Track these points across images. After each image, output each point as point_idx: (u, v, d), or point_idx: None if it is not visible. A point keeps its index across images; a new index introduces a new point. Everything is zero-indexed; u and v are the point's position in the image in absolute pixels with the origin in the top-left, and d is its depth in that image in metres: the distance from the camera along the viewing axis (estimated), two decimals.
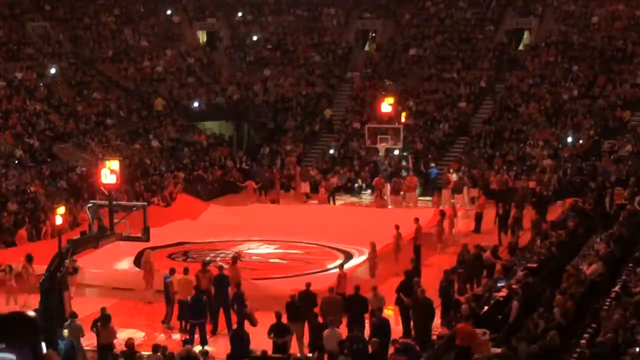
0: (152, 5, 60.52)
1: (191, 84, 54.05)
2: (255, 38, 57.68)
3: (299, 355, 21.75)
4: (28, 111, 45.42)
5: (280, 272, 29.84)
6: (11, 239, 32.66)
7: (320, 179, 42.71)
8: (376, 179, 41.86)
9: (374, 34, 58.48)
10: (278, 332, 21.33)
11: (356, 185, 43.66)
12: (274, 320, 21.50)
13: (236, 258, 27.41)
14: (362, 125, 47.26)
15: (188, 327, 23.82)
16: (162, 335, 24.49)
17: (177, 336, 24.01)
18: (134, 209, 26.20)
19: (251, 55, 57.25)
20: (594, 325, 18.71)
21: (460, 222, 36.40)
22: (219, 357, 20.48)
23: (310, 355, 20.97)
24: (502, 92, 50.22)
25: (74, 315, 21.64)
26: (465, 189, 39.28)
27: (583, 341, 17.72)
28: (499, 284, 23.66)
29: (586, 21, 54.25)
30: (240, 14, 60.86)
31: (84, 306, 23.97)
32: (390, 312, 23.71)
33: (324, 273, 28.78)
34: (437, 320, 22.84)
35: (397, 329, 22.90)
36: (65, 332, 21.35)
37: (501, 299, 22.15)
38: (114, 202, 24.84)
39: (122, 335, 21.82)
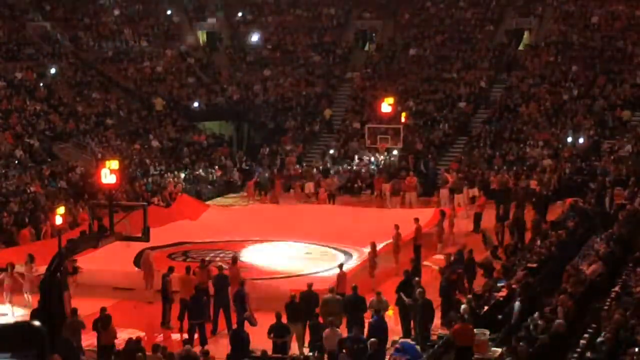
0: (152, 5, 60.52)
1: (191, 84, 54.06)
2: (254, 38, 57.55)
3: (298, 355, 21.75)
4: (28, 111, 45.45)
5: (279, 272, 29.84)
6: (11, 239, 32.64)
7: (321, 179, 42.72)
8: (375, 178, 41.81)
9: (374, 34, 58.46)
10: (278, 332, 21.34)
11: (355, 185, 43.64)
12: (273, 320, 21.51)
13: (236, 258, 27.42)
14: (362, 125, 47.27)
15: (187, 327, 23.84)
16: (162, 335, 24.51)
17: (176, 336, 24.00)
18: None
19: (251, 55, 57.26)
20: (594, 325, 18.71)
21: (460, 222, 36.37)
22: (219, 357, 20.48)
23: (310, 355, 20.96)
24: (501, 92, 50.26)
25: (74, 313, 21.65)
26: (465, 189, 39.24)
27: (583, 341, 17.72)
28: (498, 284, 23.66)
29: (586, 21, 54.25)
30: (240, 14, 60.87)
31: (84, 306, 23.97)
32: (390, 313, 23.71)
33: (323, 273, 28.74)
34: (437, 320, 22.85)
35: (397, 329, 22.93)
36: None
37: (501, 299, 22.16)
38: (114, 202, 24.86)
39: (123, 336, 21.82)
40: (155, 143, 47.21)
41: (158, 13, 60.01)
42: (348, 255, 31.39)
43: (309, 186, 42.20)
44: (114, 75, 53.34)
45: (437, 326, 22.67)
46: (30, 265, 27.58)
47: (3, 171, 38.92)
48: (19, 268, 27.55)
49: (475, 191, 38.94)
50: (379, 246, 29.37)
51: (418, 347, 19.71)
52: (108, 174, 23.44)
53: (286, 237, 34.32)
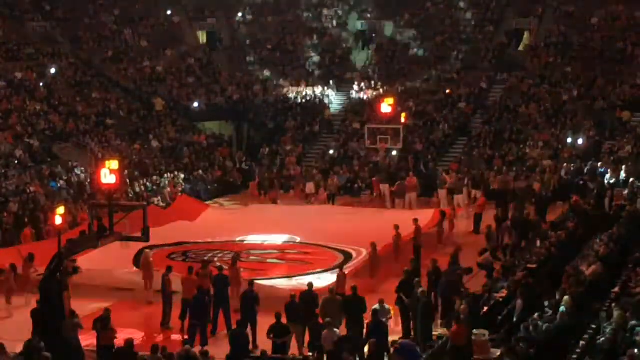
0: (152, 5, 60.49)
1: (191, 84, 54.03)
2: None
3: (298, 356, 21.75)
4: (28, 111, 45.42)
5: (278, 272, 29.88)
6: (11, 239, 32.64)
7: (321, 179, 42.70)
8: (373, 179, 41.77)
9: (374, 35, 58.44)
10: (277, 332, 21.35)
11: (356, 185, 43.61)
12: (273, 321, 21.52)
13: (236, 259, 27.44)
14: (362, 126, 47.25)
15: (188, 327, 23.84)
16: (161, 335, 24.51)
17: (176, 336, 23.99)
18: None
19: (251, 55, 57.24)
20: (593, 326, 18.71)
21: (460, 222, 36.40)
22: (219, 358, 20.48)
23: (310, 355, 20.97)
24: (501, 93, 50.27)
25: (73, 315, 21.65)
26: (465, 190, 39.22)
27: (583, 342, 17.72)
28: (498, 285, 23.66)
29: (586, 22, 54.23)
30: (240, 15, 60.87)
31: (83, 307, 23.98)
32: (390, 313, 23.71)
33: (323, 274, 28.75)
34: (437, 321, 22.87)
35: (397, 329, 22.94)
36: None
37: (501, 299, 22.16)
38: (114, 202, 24.87)
39: (122, 336, 21.81)
40: (155, 143, 47.17)
41: (158, 13, 59.98)
42: (348, 255, 31.42)
43: (309, 186, 42.18)
44: (114, 75, 53.31)
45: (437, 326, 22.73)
46: (29, 265, 27.62)
47: (3, 171, 38.90)
48: (19, 268, 27.61)
49: (476, 192, 38.92)
50: (379, 247, 29.40)
51: (418, 348, 19.70)
52: (108, 174, 23.45)
53: (285, 238, 34.38)
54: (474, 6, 57.97)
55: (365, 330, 21.39)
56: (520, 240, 31.24)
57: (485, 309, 21.63)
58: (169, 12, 60.03)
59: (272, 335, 21.37)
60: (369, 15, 59.46)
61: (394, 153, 44.01)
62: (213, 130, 51.44)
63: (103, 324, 21.30)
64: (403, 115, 45.66)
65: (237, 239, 34.33)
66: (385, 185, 40.75)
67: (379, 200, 40.69)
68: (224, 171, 45.93)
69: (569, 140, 44.04)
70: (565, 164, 41.31)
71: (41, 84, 48.56)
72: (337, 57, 56.52)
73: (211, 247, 33.15)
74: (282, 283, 28.00)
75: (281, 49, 57.57)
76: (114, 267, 29.51)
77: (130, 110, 49.93)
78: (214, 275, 25.11)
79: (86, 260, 27.89)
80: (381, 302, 22.39)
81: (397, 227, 30.28)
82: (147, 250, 28.68)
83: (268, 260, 31.70)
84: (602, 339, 17.24)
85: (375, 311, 21.60)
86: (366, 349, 19.97)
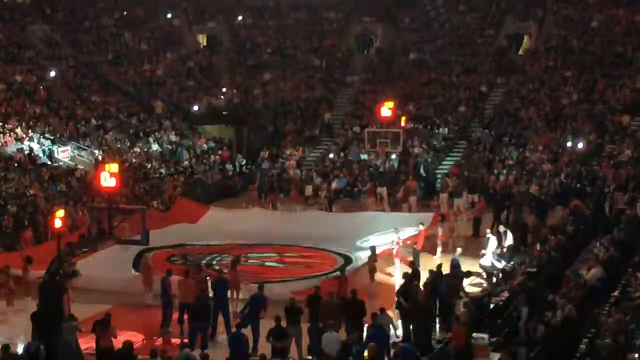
0: (152, 8, 60.51)
1: (191, 87, 54.04)
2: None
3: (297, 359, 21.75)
4: (28, 114, 45.41)
5: (278, 275, 29.85)
6: (11, 242, 32.60)
7: (320, 183, 42.70)
8: (369, 184, 41.57)
9: (373, 38, 58.49)
10: (277, 336, 21.31)
11: (355, 189, 43.59)
12: (272, 324, 21.49)
13: (235, 262, 27.43)
14: (361, 129, 47.24)
15: (188, 330, 23.82)
16: (161, 339, 24.49)
17: (176, 340, 23.97)
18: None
19: (251, 58, 57.27)
20: (593, 330, 18.70)
21: (460, 226, 36.42)
22: None
23: (310, 358, 20.95)
24: (501, 97, 50.30)
25: (72, 318, 21.63)
26: (464, 193, 39.19)
27: (582, 346, 17.72)
28: (498, 288, 23.66)
29: (586, 26, 54.27)
30: (240, 18, 60.90)
31: (83, 310, 23.96)
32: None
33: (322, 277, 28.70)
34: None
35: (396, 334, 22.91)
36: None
37: (501, 302, 22.15)
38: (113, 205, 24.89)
39: (121, 339, 21.78)
40: (155, 146, 47.17)
41: (158, 16, 60.02)
42: (347, 258, 31.40)
43: (308, 189, 42.16)
44: (114, 79, 53.34)
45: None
46: (28, 267, 27.59)
47: (2, 174, 38.87)
48: (17, 271, 27.59)
49: (475, 196, 38.90)
50: (379, 250, 29.40)
51: (417, 352, 19.69)
52: (108, 177, 23.48)
53: (285, 240, 34.34)
54: (474, 10, 58.02)
55: (365, 334, 21.37)
56: (519, 244, 31.24)
57: (485, 313, 21.62)
58: (169, 16, 60.09)
59: (271, 339, 21.34)
60: (369, 19, 59.49)
61: (393, 157, 43.99)
62: (213, 134, 51.45)
63: (102, 327, 21.26)
64: (403, 119, 45.66)
65: (237, 242, 34.28)
66: (384, 188, 40.70)
67: (379, 204, 40.58)
68: (223, 174, 45.93)
69: (569, 144, 44.03)
70: (564, 168, 41.32)
71: (41, 87, 48.55)
72: (337, 61, 56.53)
73: (211, 250, 33.10)
74: (281, 286, 27.97)
75: (281, 53, 57.58)
76: (113, 269, 29.47)
77: (130, 114, 49.94)
78: (213, 279, 25.08)
79: (86, 263, 27.86)
80: (382, 311, 22.01)
81: (397, 231, 30.27)
82: (147, 254, 28.64)
83: (266, 264, 31.66)
84: (602, 342, 17.24)
85: (375, 315, 21.58)
86: (366, 353, 19.93)
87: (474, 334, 19.26)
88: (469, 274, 27.28)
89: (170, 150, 47.43)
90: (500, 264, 27.98)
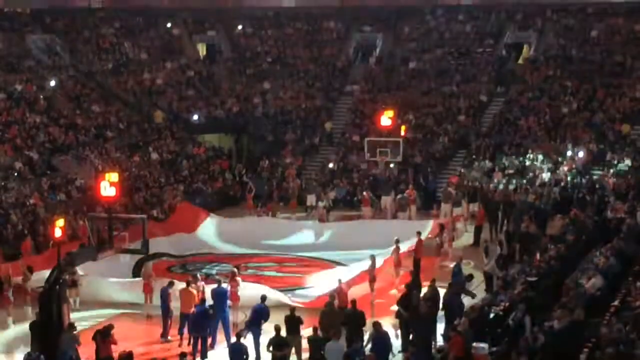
0: (152, 18, 60.60)
1: (191, 96, 54.08)
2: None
3: None
4: (28, 123, 45.43)
5: (275, 285, 29.84)
6: (12, 252, 32.57)
7: (320, 192, 42.70)
8: (365, 193, 41.32)
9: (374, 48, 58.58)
10: (277, 345, 21.31)
11: (355, 198, 43.56)
12: (272, 333, 21.49)
13: (235, 272, 27.43)
14: (361, 139, 47.26)
15: (190, 340, 23.81)
16: (161, 348, 24.48)
17: (176, 350, 23.95)
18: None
19: (251, 68, 57.31)
20: (593, 340, 18.66)
21: (460, 235, 36.46)
22: None
23: None
24: (501, 106, 50.33)
25: (72, 327, 21.62)
26: (464, 203, 39.19)
27: (582, 355, 17.68)
28: (498, 298, 23.61)
29: (585, 35, 54.36)
30: (240, 27, 60.97)
31: (83, 319, 23.98)
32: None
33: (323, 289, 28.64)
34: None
35: (396, 343, 22.89)
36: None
37: (501, 312, 22.11)
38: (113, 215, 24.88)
39: (121, 349, 21.78)
40: (154, 155, 47.17)
41: (158, 26, 60.10)
42: (345, 267, 31.42)
43: (311, 199, 42.15)
44: (114, 88, 53.37)
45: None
46: (28, 277, 27.59)
47: (2, 183, 38.89)
48: (17, 281, 27.59)
49: (475, 206, 38.87)
50: (379, 260, 29.39)
51: None
52: (107, 187, 23.45)
53: (283, 249, 34.35)
54: (474, 19, 58.09)
55: (366, 344, 21.36)
56: (519, 253, 31.24)
57: (485, 322, 21.57)
58: (168, 25, 60.18)
59: (271, 348, 21.33)
60: (368, 28, 59.58)
61: (392, 165, 43.97)
62: (212, 143, 51.47)
63: (103, 336, 21.26)
64: (403, 128, 45.67)
65: (236, 252, 34.28)
66: (387, 197, 40.70)
67: (379, 214, 40.57)
68: (223, 184, 45.92)
69: (569, 153, 44.04)
70: (564, 177, 41.33)
71: (41, 97, 48.58)
72: (337, 70, 56.58)
73: (210, 259, 33.10)
74: (281, 296, 27.97)
75: (281, 62, 57.64)
76: (113, 280, 29.41)
77: (129, 123, 49.95)
78: (213, 289, 25.08)
79: (86, 271, 27.85)
80: (379, 325, 21.70)
81: (397, 241, 30.26)
82: (148, 263, 28.63)
83: (265, 273, 31.63)
84: (603, 353, 17.20)
85: (376, 325, 21.59)
86: None
87: (474, 344, 19.22)
88: (471, 277, 27.28)
89: (170, 160, 47.42)
90: (501, 273, 27.96)
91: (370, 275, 28.28)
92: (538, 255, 28.67)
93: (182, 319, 24.49)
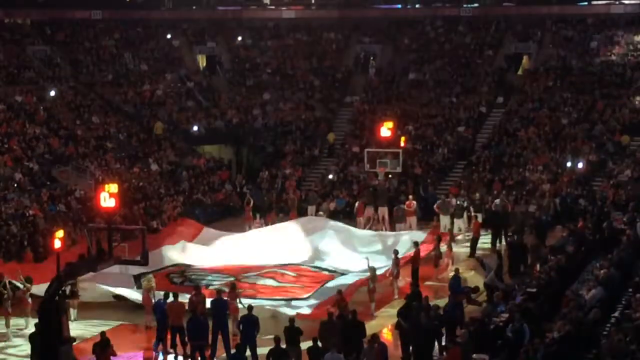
0: (152, 29, 60.69)
1: (190, 107, 54.10)
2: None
3: None
4: (28, 134, 45.46)
5: (271, 294, 29.82)
6: (11, 264, 32.50)
7: (320, 203, 42.68)
8: (358, 203, 41.12)
9: (372, 58, 58.61)
10: (276, 356, 21.26)
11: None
12: (272, 345, 21.45)
13: (234, 284, 27.40)
14: (361, 150, 47.24)
15: (183, 352, 23.80)
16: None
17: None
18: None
19: (251, 79, 57.36)
20: (594, 351, 18.65)
21: (458, 246, 36.46)
22: None
23: None
24: (500, 117, 50.36)
25: (71, 340, 21.59)
26: (465, 214, 39.13)
27: None
28: (498, 309, 23.59)
29: (585, 46, 54.43)
30: (240, 38, 61.04)
31: (83, 330, 23.95)
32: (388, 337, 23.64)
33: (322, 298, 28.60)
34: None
35: (396, 354, 22.86)
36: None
37: (501, 323, 22.08)
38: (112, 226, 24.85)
39: None
40: (154, 167, 47.16)
41: (158, 37, 60.18)
42: (342, 276, 31.39)
43: (311, 210, 42.10)
44: (114, 99, 53.40)
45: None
46: (28, 287, 27.56)
47: (2, 194, 38.89)
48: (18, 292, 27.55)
49: (474, 216, 38.86)
50: (379, 271, 29.39)
51: None
52: (107, 198, 23.43)
53: (280, 259, 34.27)
54: (474, 30, 58.16)
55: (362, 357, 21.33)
56: (518, 264, 31.23)
57: (485, 333, 21.54)
58: (168, 36, 60.27)
59: (271, 359, 21.29)
60: (368, 39, 59.65)
61: (389, 176, 43.93)
62: (212, 154, 51.46)
63: (102, 347, 21.24)
64: (402, 139, 45.66)
65: (234, 262, 34.21)
66: (384, 208, 40.64)
67: (377, 225, 40.49)
68: (223, 195, 45.89)
69: (569, 164, 44.04)
70: (564, 188, 41.34)
71: (41, 108, 48.63)
72: (337, 81, 56.62)
73: (209, 269, 33.04)
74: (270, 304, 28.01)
75: (281, 73, 57.70)
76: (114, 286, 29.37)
77: (129, 134, 49.98)
78: (212, 299, 25.04)
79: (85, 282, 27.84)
80: (375, 338, 21.71)
81: (396, 252, 30.25)
82: (150, 275, 28.61)
83: (260, 282, 31.52)
84: None
85: (374, 336, 21.57)
86: None
87: (474, 355, 19.20)
88: (477, 289, 27.34)
89: (169, 171, 47.41)
90: (502, 284, 27.95)
91: (370, 285, 28.25)
92: (538, 267, 28.69)
93: (173, 331, 24.43)
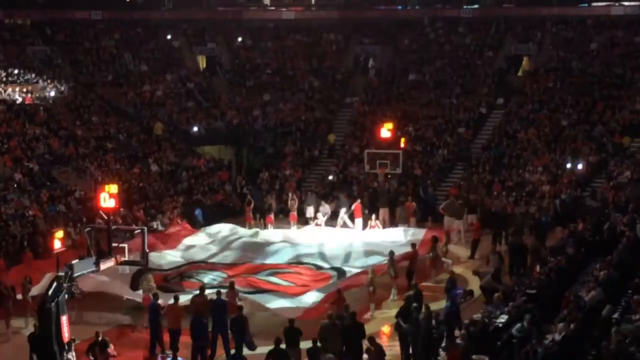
0: (152, 29, 60.74)
1: (190, 108, 54.10)
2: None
3: None
4: (27, 135, 45.46)
5: (269, 287, 29.80)
6: (12, 263, 32.52)
7: (319, 204, 42.66)
8: (355, 204, 41.11)
9: (372, 59, 58.61)
10: (276, 357, 21.26)
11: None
12: (272, 346, 21.45)
13: (233, 283, 27.39)
14: (361, 150, 47.23)
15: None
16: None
17: None
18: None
19: (251, 79, 57.37)
20: (593, 353, 18.63)
21: (457, 248, 36.46)
22: None
23: None
24: (500, 118, 50.35)
25: (71, 341, 21.59)
26: (465, 215, 39.11)
27: None
28: (498, 311, 23.57)
29: (585, 48, 54.44)
30: (240, 39, 61.05)
31: (82, 332, 23.94)
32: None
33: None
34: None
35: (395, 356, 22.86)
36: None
37: (501, 324, 22.07)
38: (113, 226, 24.85)
39: None
40: (154, 167, 47.16)
41: (158, 37, 60.22)
42: (342, 274, 31.40)
43: (310, 210, 42.09)
44: (114, 99, 53.42)
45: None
46: (28, 287, 27.57)
47: (2, 194, 38.88)
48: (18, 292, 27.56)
49: (474, 218, 38.85)
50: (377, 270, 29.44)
51: None
52: (107, 198, 23.44)
53: (280, 258, 34.28)
54: (474, 31, 58.19)
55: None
56: (518, 265, 31.23)
57: (485, 334, 21.53)
58: (169, 37, 60.32)
59: None
60: (368, 40, 59.66)
61: (389, 177, 43.92)
62: (212, 155, 51.44)
63: (100, 349, 21.23)
64: (402, 139, 45.65)
65: (234, 261, 34.19)
66: (385, 209, 40.64)
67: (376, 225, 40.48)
68: (223, 196, 45.87)
69: (568, 165, 44.02)
70: (564, 189, 41.32)
71: (41, 108, 48.62)
72: (337, 82, 56.62)
73: (206, 268, 33.01)
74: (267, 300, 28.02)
75: (281, 74, 57.70)
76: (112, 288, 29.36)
77: (129, 134, 49.98)
78: (212, 300, 25.04)
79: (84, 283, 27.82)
80: (373, 342, 21.79)
81: (391, 254, 30.28)
82: (149, 276, 28.59)
83: (258, 277, 31.48)
84: None
85: (372, 338, 21.58)
86: None
87: (474, 356, 19.19)
88: (470, 292, 27.29)
89: (169, 171, 47.40)
90: (501, 285, 27.93)
91: (370, 287, 28.28)
92: (538, 268, 28.67)
93: (172, 334, 24.40)
